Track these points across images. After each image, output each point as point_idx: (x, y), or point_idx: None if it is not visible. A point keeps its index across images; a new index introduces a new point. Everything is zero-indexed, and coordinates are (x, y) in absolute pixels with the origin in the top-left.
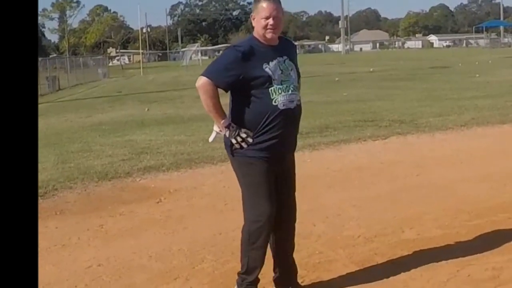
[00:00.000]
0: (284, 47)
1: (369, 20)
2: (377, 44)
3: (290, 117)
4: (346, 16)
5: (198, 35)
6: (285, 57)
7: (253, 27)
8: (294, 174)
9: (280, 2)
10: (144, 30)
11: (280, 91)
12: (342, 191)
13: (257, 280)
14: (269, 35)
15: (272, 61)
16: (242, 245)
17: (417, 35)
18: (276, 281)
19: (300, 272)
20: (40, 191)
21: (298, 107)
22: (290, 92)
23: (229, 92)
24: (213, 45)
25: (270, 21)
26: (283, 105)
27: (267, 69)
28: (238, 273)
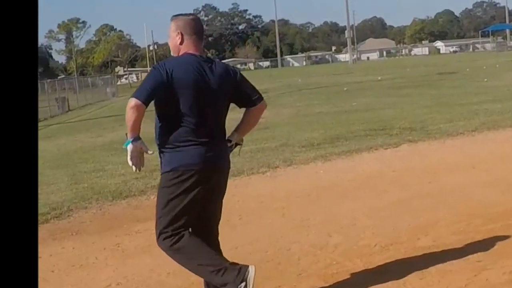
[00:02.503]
0: None
1: (375, 28)
2: (384, 52)
3: None
4: (352, 25)
5: (205, 50)
6: None
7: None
8: None
9: (171, 22)
10: (151, 48)
11: None
12: (356, 201)
13: (239, 269)
14: None
15: None
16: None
17: (423, 41)
18: None
19: (318, 283)
20: (55, 212)
21: None
22: None
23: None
24: (221, 60)
25: None
26: None
27: None
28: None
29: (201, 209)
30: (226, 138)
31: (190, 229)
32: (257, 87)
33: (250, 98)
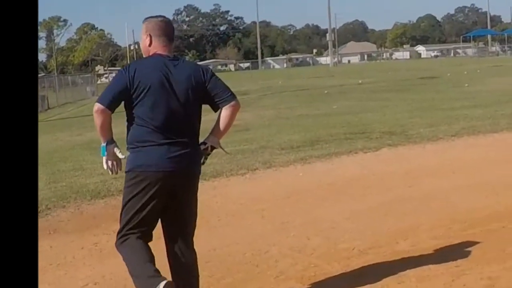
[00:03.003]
0: None
1: (356, 32)
2: (365, 56)
3: None
4: (334, 28)
5: (186, 51)
6: None
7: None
8: None
9: (143, 24)
10: (132, 47)
11: None
12: (335, 204)
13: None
14: None
15: None
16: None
17: (404, 46)
18: None
19: (296, 286)
20: None
21: None
22: None
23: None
24: (201, 60)
25: None
26: None
27: None
28: None
29: (167, 214)
30: (202, 141)
31: (139, 234)
32: (238, 89)
33: (222, 98)
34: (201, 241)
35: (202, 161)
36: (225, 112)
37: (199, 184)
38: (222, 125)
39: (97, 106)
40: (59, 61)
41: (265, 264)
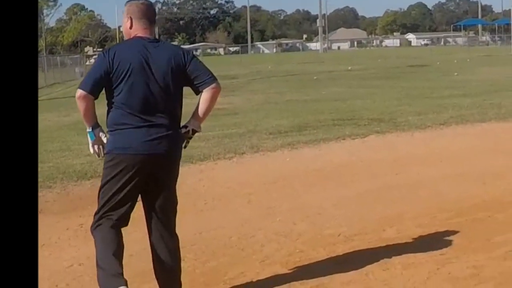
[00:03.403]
0: None
1: (347, 18)
2: (355, 43)
3: None
4: (324, 14)
5: (176, 33)
6: None
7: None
8: None
9: (124, 7)
10: (122, 29)
11: None
12: (322, 190)
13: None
14: None
15: None
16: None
17: (395, 33)
18: None
19: (280, 270)
20: None
21: None
22: None
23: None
24: (191, 43)
25: None
26: None
27: None
28: None
29: (148, 197)
30: (183, 124)
31: (114, 219)
32: (227, 73)
33: (202, 80)
34: (187, 224)
35: (184, 144)
36: (205, 94)
37: (186, 168)
38: (202, 108)
39: (79, 92)
40: (48, 41)
41: (250, 248)
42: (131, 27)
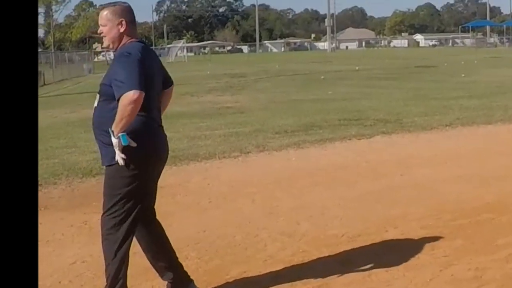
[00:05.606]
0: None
1: (355, 18)
2: (363, 43)
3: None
4: (332, 14)
5: (184, 31)
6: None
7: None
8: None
9: (107, 10)
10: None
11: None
12: (327, 190)
13: None
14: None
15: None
16: None
17: (403, 34)
18: None
19: (284, 270)
20: None
21: (94, 116)
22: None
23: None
24: (199, 41)
25: (99, 29)
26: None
27: None
28: None
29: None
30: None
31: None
32: (234, 71)
33: (168, 81)
34: (191, 222)
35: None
36: (167, 94)
37: (192, 166)
38: (164, 107)
39: (138, 93)
40: (57, 37)
41: (254, 247)
42: (125, 31)
